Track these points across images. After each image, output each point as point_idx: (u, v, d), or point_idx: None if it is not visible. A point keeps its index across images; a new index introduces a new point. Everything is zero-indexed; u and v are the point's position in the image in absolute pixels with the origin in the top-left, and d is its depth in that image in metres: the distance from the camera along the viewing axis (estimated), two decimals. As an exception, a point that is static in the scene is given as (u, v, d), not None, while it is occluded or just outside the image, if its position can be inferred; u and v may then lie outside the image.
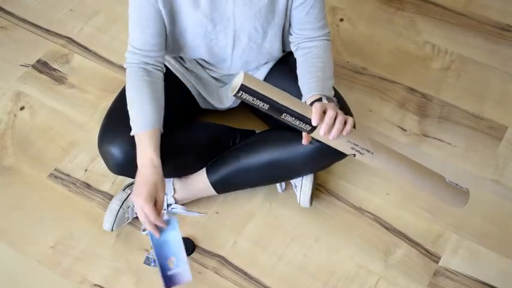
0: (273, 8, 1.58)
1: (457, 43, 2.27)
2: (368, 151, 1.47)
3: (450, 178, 1.60)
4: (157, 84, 1.59)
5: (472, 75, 2.19)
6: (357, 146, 1.46)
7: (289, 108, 1.37)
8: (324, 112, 1.40)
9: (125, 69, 1.60)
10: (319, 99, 1.50)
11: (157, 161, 1.53)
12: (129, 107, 1.57)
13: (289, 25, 1.65)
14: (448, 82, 2.16)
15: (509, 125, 2.05)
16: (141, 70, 1.58)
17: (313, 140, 1.63)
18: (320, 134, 1.42)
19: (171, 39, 1.64)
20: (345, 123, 1.42)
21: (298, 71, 1.64)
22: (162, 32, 1.58)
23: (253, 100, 1.35)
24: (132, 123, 1.55)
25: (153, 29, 1.56)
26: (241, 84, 1.31)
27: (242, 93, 1.33)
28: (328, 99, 1.51)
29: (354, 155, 1.48)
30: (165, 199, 1.78)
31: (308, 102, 1.53)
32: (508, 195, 1.89)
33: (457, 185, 1.60)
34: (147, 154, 1.52)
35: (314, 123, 1.39)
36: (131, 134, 1.55)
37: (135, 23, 1.57)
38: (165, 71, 1.63)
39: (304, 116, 1.39)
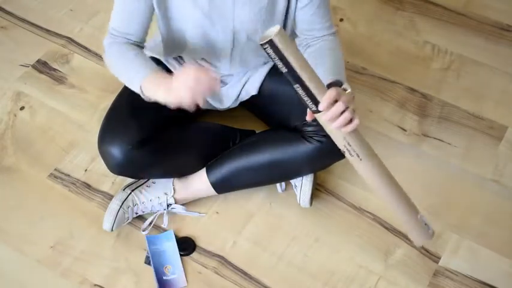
0: (273, 9, 1.58)
1: (457, 43, 2.27)
2: (358, 155, 1.47)
3: (423, 216, 1.62)
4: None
5: (472, 75, 2.19)
6: (350, 146, 1.45)
7: (305, 82, 1.35)
8: (336, 101, 1.37)
9: (104, 56, 1.60)
10: (336, 84, 1.47)
11: None
12: (122, 69, 1.55)
13: (295, 27, 1.65)
14: (448, 82, 2.16)
15: (509, 125, 2.05)
16: (122, 44, 1.58)
17: (313, 140, 1.63)
18: (321, 119, 1.41)
19: (169, 39, 1.64)
20: (350, 120, 1.40)
21: (312, 64, 1.61)
22: (147, 24, 1.59)
23: (274, 58, 1.32)
24: (136, 73, 1.51)
25: (139, 19, 1.56)
26: (270, 40, 1.28)
27: (268, 47, 1.30)
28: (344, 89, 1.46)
29: (344, 152, 1.47)
30: (165, 199, 1.78)
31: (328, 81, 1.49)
32: (508, 195, 1.89)
33: (426, 224, 1.62)
34: (163, 80, 1.48)
35: (321, 108, 1.37)
36: (138, 85, 1.50)
37: (121, 11, 1.57)
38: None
39: (315, 96, 1.37)
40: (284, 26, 1.65)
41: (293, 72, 1.34)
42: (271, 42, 1.29)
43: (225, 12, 1.55)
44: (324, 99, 1.36)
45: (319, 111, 1.38)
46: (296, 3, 1.58)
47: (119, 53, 1.57)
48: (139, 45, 1.61)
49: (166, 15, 1.59)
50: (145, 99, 1.51)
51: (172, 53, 1.71)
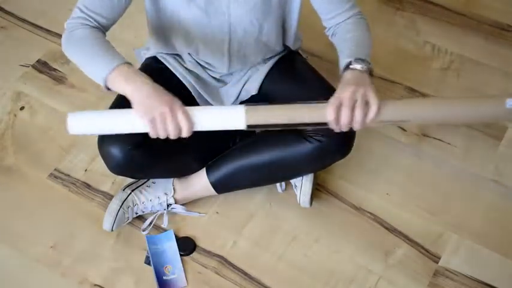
0: (269, 2, 1.58)
1: (457, 43, 2.27)
2: (403, 121, 1.41)
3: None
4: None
5: (472, 75, 2.19)
6: (389, 122, 1.39)
7: (302, 123, 1.37)
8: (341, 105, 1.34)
9: (64, 36, 1.53)
10: (348, 65, 1.44)
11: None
12: (88, 55, 1.46)
13: (321, 17, 1.63)
14: (448, 82, 2.16)
15: (509, 125, 2.05)
16: (88, 28, 1.51)
17: (313, 140, 1.63)
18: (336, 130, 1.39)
19: (160, 34, 1.64)
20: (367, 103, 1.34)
21: (337, 49, 1.58)
22: (122, 10, 1.55)
23: (265, 128, 1.37)
24: (104, 64, 1.42)
25: (116, 5, 1.52)
26: (247, 125, 1.35)
27: (251, 129, 1.38)
28: (358, 61, 1.43)
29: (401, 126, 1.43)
30: (165, 199, 1.78)
31: (342, 68, 1.46)
32: (508, 195, 1.89)
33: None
34: (139, 77, 1.40)
35: (332, 128, 1.37)
36: (103, 76, 1.40)
37: None
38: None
39: (320, 122, 1.37)
40: (283, 19, 1.65)
41: (285, 125, 1.37)
42: (249, 126, 1.35)
43: (220, 6, 1.55)
44: (329, 121, 1.35)
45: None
46: None
47: (84, 37, 1.49)
48: (105, 32, 1.56)
49: (158, 9, 1.59)
50: (103, 90, 1.45)
51: (168, 48, 1.70)
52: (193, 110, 1.38)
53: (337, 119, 1.35)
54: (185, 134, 1.37)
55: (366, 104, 1.35)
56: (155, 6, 1.59)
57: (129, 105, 1.58)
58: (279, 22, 1.65)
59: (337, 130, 1.38)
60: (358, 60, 1.45)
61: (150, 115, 1.35)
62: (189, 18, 1.58)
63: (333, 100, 1.36)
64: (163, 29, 1.65)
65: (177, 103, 1.36)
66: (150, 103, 1.35)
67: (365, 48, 1.53)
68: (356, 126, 1.37)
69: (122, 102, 1.66)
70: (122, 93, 1.40)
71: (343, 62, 1.48)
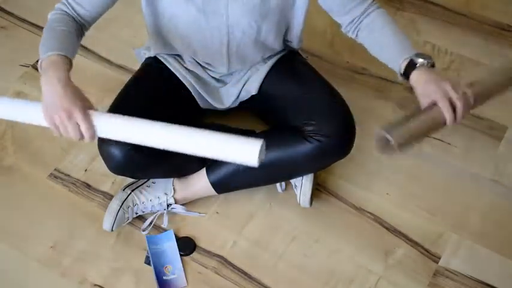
0: (268, 4, 1.57)
1: (457, 43, 2.27)
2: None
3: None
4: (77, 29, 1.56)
5: (472, 75, 2.18)
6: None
7: (430, 129, 1.37)
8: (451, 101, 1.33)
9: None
10: (412, 64, 1.42)
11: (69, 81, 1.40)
12: (45, 37, 1.50)
13: (335, 18, 1.62)
14: (448, 82, 2.16)
15: (509, 125, 2.05)
16: (66, 16, 1.55)
17: (313, 140, 1.63)
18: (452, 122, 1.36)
19: (158, 36, 1.64)
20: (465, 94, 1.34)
21: (372, 49, 1.59)
22: (103, 10, 1.59)
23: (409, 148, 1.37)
24: (45, 47, 1.46)
25: (99, 2, 1.56)
26: (395, 145, 1.32)
27: (399, 151, 1.36)
28: (421, 57, 1.42)
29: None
30: (165, 199, 1.78)
31: (402, 68, 1.44)
32: (508, 195, 1.89)
33: None
34: (57, 73, 1.41)
35: (451, 123, 1.34)
36: (39, 59, 1.44)
37: None
38: (81, 33, 1.61)
39: (440, 123, 1.35)
40: (287, 26, 1.65)
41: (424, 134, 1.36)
42: (397, 146, 1.32)
43: (218, 7, 1.55)
44: (448, 119, 1.34)
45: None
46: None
47: (52, 20, 1.52)
48: (84, 25, 1.58)
49: (155, 11, 1.59)
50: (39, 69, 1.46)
51: (165, 49, 1.70)
52: (98, 116, 1.36)
53: (455, 115, 1.34)
54: (87, 138, 1.36)
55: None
56: (151, 7, 1.59)
57: (129, 106, 1.58)
58: (279, 24, 1.65)
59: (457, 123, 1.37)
60: (419, 55, 1.43)
61: (49, 115, 1.35)
62: (186, 20, 1.58)
63: (442, 103, 1.34)
64: (160, 30, 1.65)
65: (79, 106, 1.34)
66: (52, 102, 1.36)
67: (409, 42, 1.50)
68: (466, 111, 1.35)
69: (121, 103, 1.67)
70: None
71: (400, 59, 1.45)
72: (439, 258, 1.77)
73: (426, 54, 1.43)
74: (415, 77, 1.41)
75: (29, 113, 1.41)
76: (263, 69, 1.75)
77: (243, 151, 1.28)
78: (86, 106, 1.36)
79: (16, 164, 1.94)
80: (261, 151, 1.27)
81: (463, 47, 2.26)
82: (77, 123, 1.34)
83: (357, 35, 1.63)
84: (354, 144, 1.70)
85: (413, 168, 1.94)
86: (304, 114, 1.66)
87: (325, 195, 1.88)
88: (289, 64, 1.77)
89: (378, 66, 2.19)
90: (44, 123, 1.38)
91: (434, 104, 1.36)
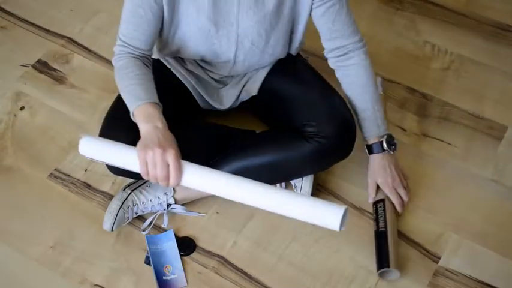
0: (279, 14, 1.57)
1: (457, 43, 2.27)
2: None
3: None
4: (148, 69, 1.59)
5: (472, 75, 2.19)
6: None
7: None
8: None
9: (113, 63, 1.60)
10: (381, 146, 1.73)
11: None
12: (125, 85, 1.53)
13: (323, 43, 1.68)
14: (448, 82, 2.16)
15: (509, 125, 2.05)
16: (130, 59, 1.57)
17: (313, 141, 1.63)
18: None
19: (171, 40, 1.64)
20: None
21: (350, 99, 1.73)
22: (155, 33, 1.57)
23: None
24: (133, 97, 1.50)
25: (147, 28, 1.55)
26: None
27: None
28: (387, 141, 1.73)
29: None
30: (165, 199, 1.78)
31: (371, 142, 1.74)
32: (508, 195, 1.89)
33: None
34: (157, 120, 1.46)
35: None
36: (132, 109, 1.49)
37: (129, 19, 1.55)
38: (151, 67, 1.62)
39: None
40: (290, 39, 1.66)
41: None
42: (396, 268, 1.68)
43: (229, 16, 1.55)
44: (397, 206, 1.79)
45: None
46: (305, 9, 1.59)
47: (124, 69, 1.56)
48: (147, 56, 1.60)
49: (172, 20, 1.59)
50: (133, 118, 1.51)
51: (173, 54, 1.70)
52: (187, 165, 1.41)
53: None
54: (172, 181, 1.39)
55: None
56: (171, 15, 1.58)
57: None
58: (287, 34, 1.65)
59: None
60: (389, 139, 1.71)
61: (143, 150, 1.38)
62: (196, 28, 1.58)
63: (389, 192, 1.77)
64: (170, 37, 1.64)
65: (175, 149, 1.40)
66: (151, 139, 1.40)
67: (382, 114, 1.74)
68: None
69: (122, 102, 1.66)
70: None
71: (372, 135, 1.72)
72: (439, 258, 1.77)
73: (393, 138, 1.77)
74: (376, 157, 1.76)
75: (124, 157, 1.43)
76: (263, 71, 1.75)
77: (327, 217, 1.36)
78: (179, 154, 1.41)
79: (16, 164, 1.94)
80: (344, 216, 1.34)
81: (463, 47, 2.26)
82: (168, 164, 1.37)
83: (336, 70, 1.71)
84: (354, 145, 1.70)
85: (413, 168, 1.93)
86: (304, 115, 1.66)
87: (325, 195, 1.88)
88: (290, 65, 1.77)
89: (378, 66, 2.19)
90: (136, 167, 1.40)
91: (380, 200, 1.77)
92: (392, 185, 1.76)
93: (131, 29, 1.56)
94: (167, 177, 1.38)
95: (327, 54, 1.69)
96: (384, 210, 1.76)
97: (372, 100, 1.70)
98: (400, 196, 1.77)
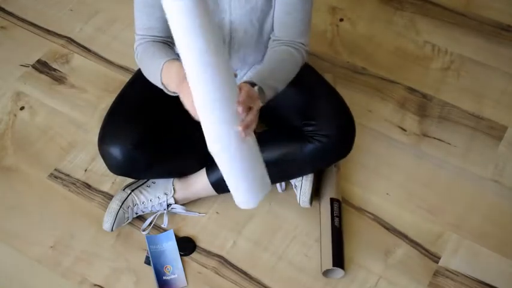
0: (270, 2, 1.57)
1: (457, 43, 2.27)
2: None
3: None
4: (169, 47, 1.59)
5: (472, 75, 2.19)
6: None
7: None
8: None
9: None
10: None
11: None
12: (146, 67, 1.55)
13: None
14: (448, 82, 2.16)
15: (509, 125, 2.05)
16: (148, 43, 1.58)
17: (314, 140, 1.63)
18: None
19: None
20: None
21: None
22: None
23: None
24: (159, 59, 1.49)
25: (160, 15, 1.54)
26: None
27: None
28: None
29: None
30: (165, 199, 1.78)
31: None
32: (508, 195, 1.89)
33: None
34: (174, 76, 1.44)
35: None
36: (159, 68, 1.48)
37: (141, 10, 1.56)
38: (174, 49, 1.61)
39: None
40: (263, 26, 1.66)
41: None
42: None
43: (222, 3, 1.55)
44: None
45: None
46: None
47: (142, 54, 1.57)
48: (166, 41, 1.59)
49: None
50: (170, 93, 1.50)
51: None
52: None
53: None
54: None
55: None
56: None
57: (128, 106, 1.58)
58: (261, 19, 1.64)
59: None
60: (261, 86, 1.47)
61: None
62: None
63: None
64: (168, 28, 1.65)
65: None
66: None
67: (276, 81, 1.53)
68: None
69: (122, 102, 1.67)
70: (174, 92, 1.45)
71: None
72: (439, 258, 1.77)
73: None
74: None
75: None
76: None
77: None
78: None
79: (16, 164, 1.94)
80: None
81: (463, 47, 2.26)
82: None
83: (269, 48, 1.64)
84: (354, 144, 1.70)
85: (413, 168, 1.94)
86: (304, 114, 1.66)
87: (325, 195, 1.88)
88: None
89: (377, 66, 2.20)
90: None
91: None
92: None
93: (145, 20, 1.56)
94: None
95: (271, 42, 1.66)
96: (340, 210, 1.76)
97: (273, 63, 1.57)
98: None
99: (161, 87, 1.51)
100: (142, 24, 1.57)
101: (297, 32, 1.61)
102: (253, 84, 1.45)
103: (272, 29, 1.64)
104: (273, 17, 1.60)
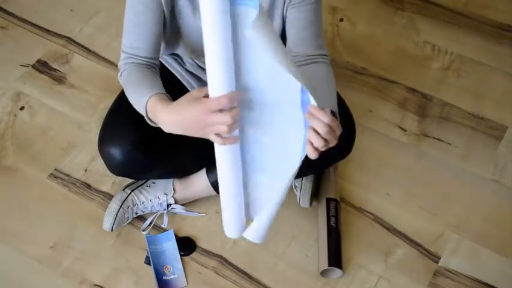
0: (272, 14, 1.57)
1: (457, 43, 2.27)
2: None
3: None
4: (154, 71, 1.54)
5: (472, 75, 2.19)
6: None
7: None
8: None
9: (119, 80, 1.53)
10: None
11: None
12: (131, 92, 1.47)
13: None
14: (448, 82, 2.16)
15: (509, 125, 2.05)
16: (134, 66, 1.52)
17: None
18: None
19: (169, 40, 1.64)
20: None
21: None
22: (159, 38, 1.54)
23: None
24: (144, 90, 1.42)
25: (149, 35, 1.51)
26: None
27: None
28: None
29: None
30: (165, 199, 1.78)
31: None
32: (508, 195, 1.89)
33: None
34: (162, 110, 1.36)
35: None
36: (145, 98, 1.40)
37: (131, 28, 1.51)
38: (158, 73, 1.58)
39: None
40: (283, 34, 1.65)
41: None
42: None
43: None
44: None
45: None
46: (285, 7, 1.54)
47: (128, 78, 1.50)
48: (153, 64, 1.54)
49: (172, 15, 1.58)
50: (151, 123, 1.43)
51: (172, 51, 1.70)
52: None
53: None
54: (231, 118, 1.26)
55: None
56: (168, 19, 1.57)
57: (128, 107, 1.58)
58: (281, 36, 1.64)
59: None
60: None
61: (202, 127, 1.28)
62: (193, 29, 1.57)
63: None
64: (170, 39, 1.64)
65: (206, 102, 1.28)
66: (190, 121, 1.29)
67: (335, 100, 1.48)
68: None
69: (122, 102, 1.66)
70: (161, 126, 1.38)
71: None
72: (439, 258, 1.77)
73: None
74: None
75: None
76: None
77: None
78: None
79: (16, 164, 1.94)
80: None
81: (463, 47, 2.26)
82: (221, 113, 1.24)
83: None
84: (354, 145, 1.70)
85: (413, 168, 1.94)
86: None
87: (325, 195, 1.88)
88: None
89: (378, 66, 2.20)
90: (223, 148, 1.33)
91: None
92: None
93: (133, 40, 1.51)
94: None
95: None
96: (336, 210, 1.76)
97: (327, 92, 1.50)
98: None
99: (144, 113, 1.43)
100: (130, 43, 1.52)
101: (315, 45, 1.55)
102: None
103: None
104: (287, 37, 1.56)
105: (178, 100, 1.32)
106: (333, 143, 1.30)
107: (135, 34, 1.51)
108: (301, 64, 1.56)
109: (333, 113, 1.42)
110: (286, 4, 1.52)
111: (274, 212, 1.38)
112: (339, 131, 1.29)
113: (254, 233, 1.42)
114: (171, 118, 1.33)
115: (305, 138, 1.29)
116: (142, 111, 1.43)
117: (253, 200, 1.44)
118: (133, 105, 1.48)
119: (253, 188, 1.42)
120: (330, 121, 1.24)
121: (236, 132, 1.29)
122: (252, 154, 1.37)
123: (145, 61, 1.53)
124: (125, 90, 1.52)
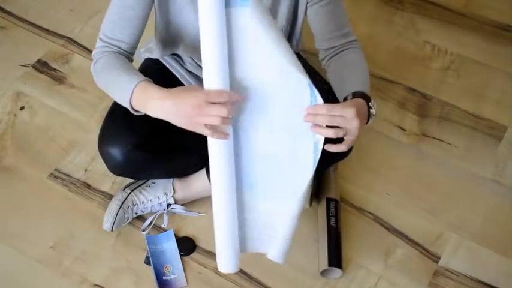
0: (275, 13, 1.57)
1: (457, 43, 2.27)
2: None
3: None
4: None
5: (472, 75, 2.19)
6: None
7: None
8: None
9: (91, 70, 1.51)
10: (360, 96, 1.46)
11: None
12: (110, 81, 1.45)
13: (313, 39, 1.61)
14: (448, 82, 2.16)
15: (509, 125, 2.05)
16: (111, 54, 1.49)
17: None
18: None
19: (168, 38, 1.64)
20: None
21: (332, 81, 1.57)
22: (142, 32, 1.53)
23: None
24: (132, 75, 1.41)
25: (134, 30, 1.50)
26: None
27: None
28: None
29: None
30: (165, 199, 1.78)
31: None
32: (508, 195, 1.89)
33: None
34: (156, 90, 1.36)
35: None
36: (134, 83, 1.38)
37: (116, 20, 1.48)
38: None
39: None
40: (289, 36, 1.65)
41: None
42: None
43: None
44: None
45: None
46: (303, 9, 1.55)
47: (107, 65, 1.48)
48: (129, 56, 1.54)
49: (167, 18, 1.58)
50: (134, 113, 1.42)
51: (167, 51, 1.70)
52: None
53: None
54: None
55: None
56: (164, 19, 1.57)
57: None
58: (284, 32, 1.64)
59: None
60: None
61: (194, 120, 1.30)
62: (194, 29, 1.57)
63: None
64: (171, 39, 1.64)
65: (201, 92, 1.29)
66: (184, 111, 1.31)
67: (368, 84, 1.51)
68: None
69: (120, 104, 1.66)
70: (148, 113, 1.37)
71: (348, 91, 1.46)
72: (439, 258, 1.77)
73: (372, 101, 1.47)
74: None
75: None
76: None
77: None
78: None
79: (16, 164, 1.94)
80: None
81: (463, 47, 2.26)
82: (219, 105, 1.27)
83: (328, 66, 1.61)
84: (354, 145, 1.70)
85: (413, 168, 1.94)
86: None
87: (325, 195, 1.88)
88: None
89: (378, 66, 2.20)
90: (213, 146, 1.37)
91: None
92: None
93: (117, 32, 1.49)
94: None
95: (321, 56, 1.66)
96: (336, 210, 1.76)
97: (361, 77, 1.55)
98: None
99: (126, 103, 1.41)
100: (112, 34, 1.49)
101: (342, 35, 1.57)
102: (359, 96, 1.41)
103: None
104: (314, 33, 1.58)
105: (176, 88, 1.35)
106: (350, 125, 1.33)
107: (119, 27, 1.49)
108: (332, 55, 1.58)
109: (365, 96, 1.46)
110: (305, 4, 1.54)
111: (293, 229, 1.40)
112: (345, 113, 1.32)
113: (277, 253, 1.44)
114: (165, 101, 1.34)
115: (316, 146, 1.30)
116: (124, 97, 1.40)
117: (264, 223, 1.43)
118: (109, 90, 1.45)
119: (264, 214, 1.42)
120: (327, 111, 1.28)
121: (226, 128, 1.32)
122: (257, 175, 1.39)
123: (125, 53, 1.52)
124: (98, 76, 1.49)
